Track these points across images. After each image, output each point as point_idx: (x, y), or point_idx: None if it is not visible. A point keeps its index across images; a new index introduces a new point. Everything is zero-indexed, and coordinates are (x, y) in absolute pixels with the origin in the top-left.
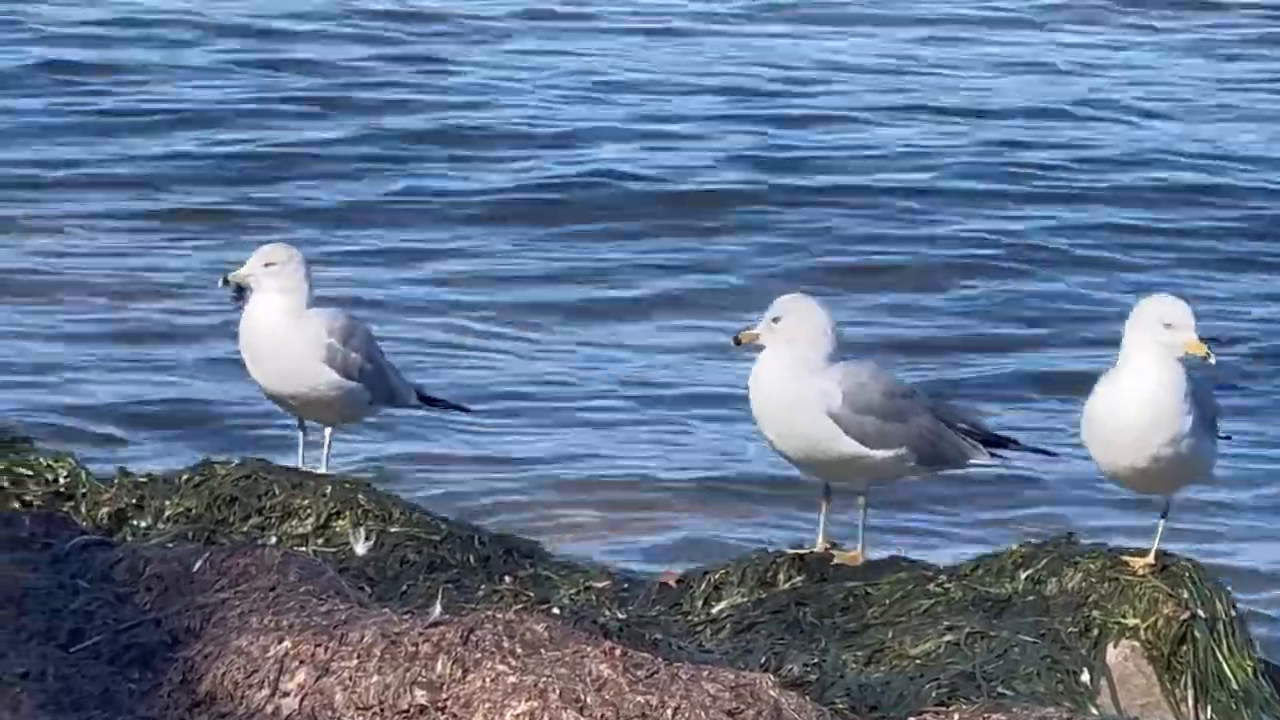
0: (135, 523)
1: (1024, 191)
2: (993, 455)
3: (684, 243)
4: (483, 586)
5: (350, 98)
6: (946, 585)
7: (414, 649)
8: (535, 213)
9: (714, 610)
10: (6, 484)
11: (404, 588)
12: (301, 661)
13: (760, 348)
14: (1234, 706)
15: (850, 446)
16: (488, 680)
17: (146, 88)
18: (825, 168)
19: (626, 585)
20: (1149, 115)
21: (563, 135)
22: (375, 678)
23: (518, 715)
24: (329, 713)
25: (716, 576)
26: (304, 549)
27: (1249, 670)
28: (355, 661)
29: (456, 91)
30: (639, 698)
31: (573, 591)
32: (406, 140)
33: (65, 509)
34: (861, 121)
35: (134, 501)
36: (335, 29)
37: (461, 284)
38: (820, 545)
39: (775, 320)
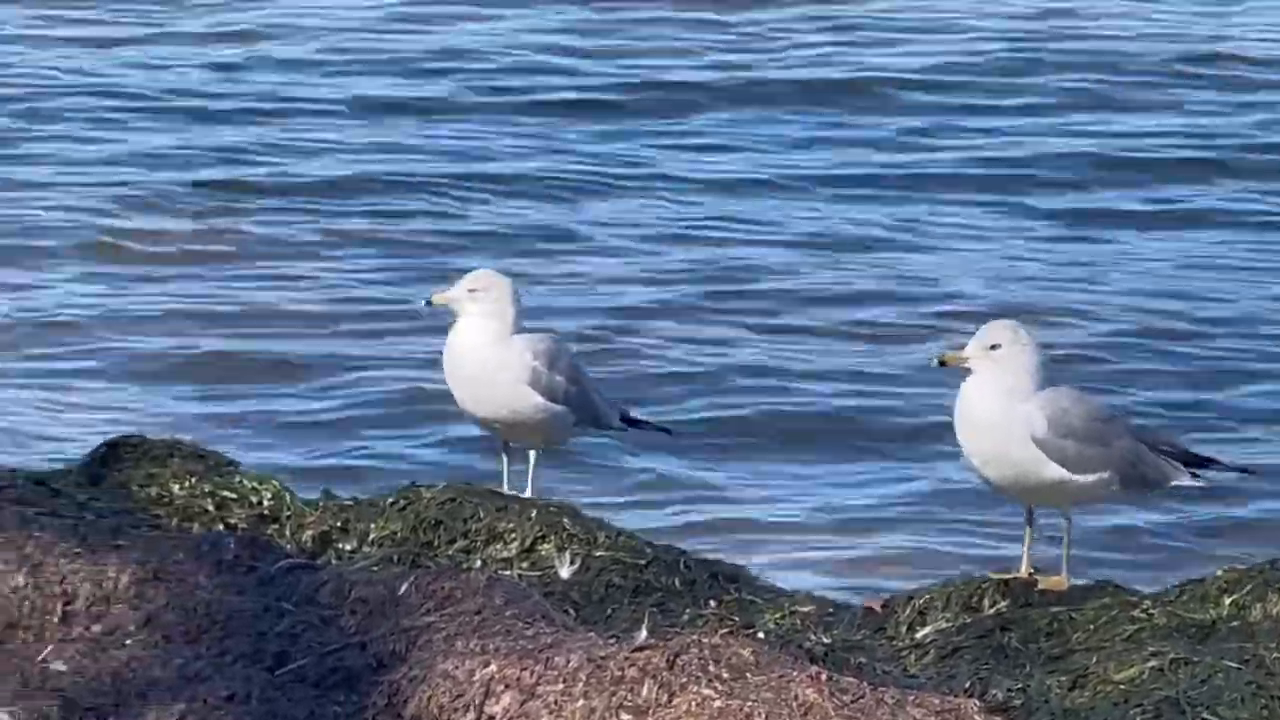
0: (340, 546)
1: None
2: (1194, 476)
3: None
4: (688, 611)
5: None
6: (1151, 611)
7: (620, 673)
8: None
9: (919, 635)
10: (211, 507)
11: (609, 612)
12: (507, 685)
13: (964, 370)
14: None
15: (1055, 472)
16: (693, 704)
17: None
18: None
19: (832, 610)
20: None
21: None
22: (581, 702)
23: None
24: None
25: (921, 601)
26: (509, 573)
27: None
28: (561, 685)
29: None
30: None
31: (777, 616)
32: None
33: (270, 532)
34: None
35: (339, 524)
36: None
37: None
38: (1024, 570)
39: (992, 347)
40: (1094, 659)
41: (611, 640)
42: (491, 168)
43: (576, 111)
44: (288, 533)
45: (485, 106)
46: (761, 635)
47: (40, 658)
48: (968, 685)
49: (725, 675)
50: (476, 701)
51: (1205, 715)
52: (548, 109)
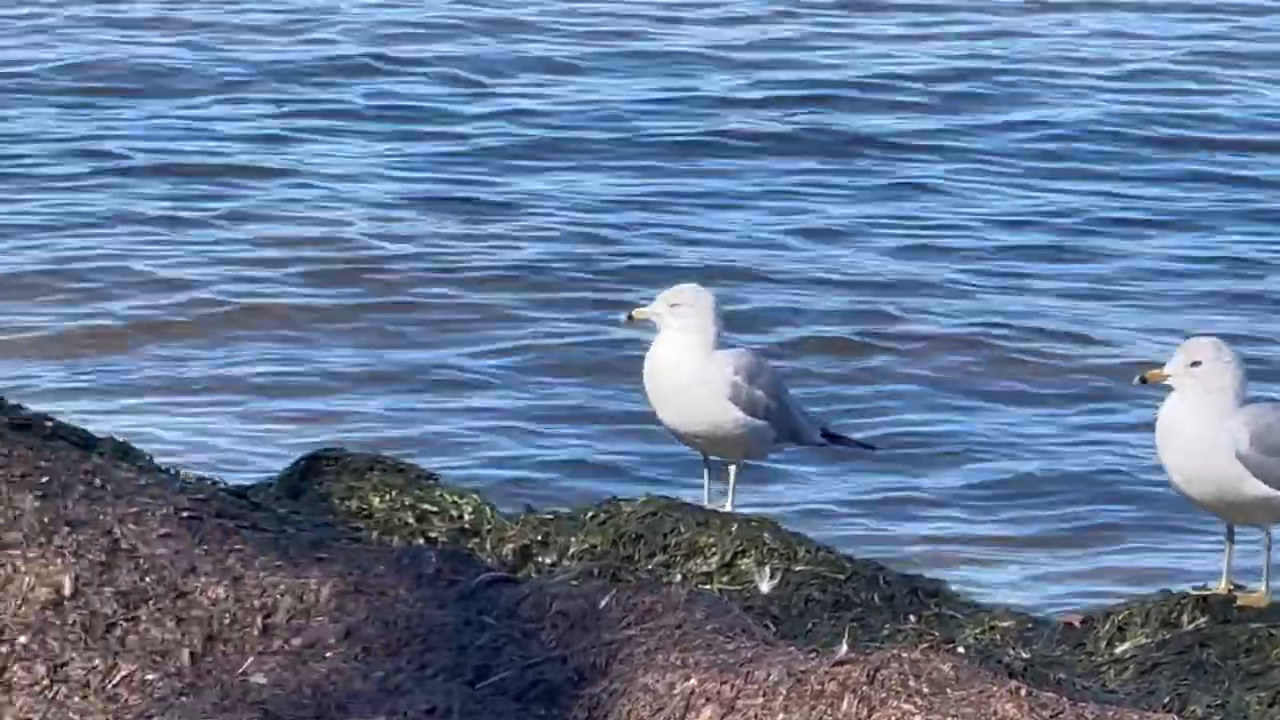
0: (540, 559)
1: None
2: None
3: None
4: (887, 626)
5: None
6: None
7: (820, 687)
8: None
9: (1118, 651)
10: (412, 520)
11: (809, 626)
12: (707, 699)
13: (1165, 387)
14: None
15: (1258, 489)
16: (893, 719)
17: None
18: None
19: (1031, 625)
20: None
21: None
22: (781, 716)
23: None
24: None
25: (1120, 617)
26: (709, 587)
27: None
28: (761, 700)
29: None
30: None
31: (977, 631)
32: None
33: (470, 545)
34: None
35: (539, 538)
36: None
37: None
38: (1223, 586)
39: (1194, 364)
40: None
41: (812, 655)
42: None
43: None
44: (488, 546)
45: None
46: (961, 650)
47: (240, 670)
48: (1166, 701)
49: (925, 690)
50: (677, 715)
51: None
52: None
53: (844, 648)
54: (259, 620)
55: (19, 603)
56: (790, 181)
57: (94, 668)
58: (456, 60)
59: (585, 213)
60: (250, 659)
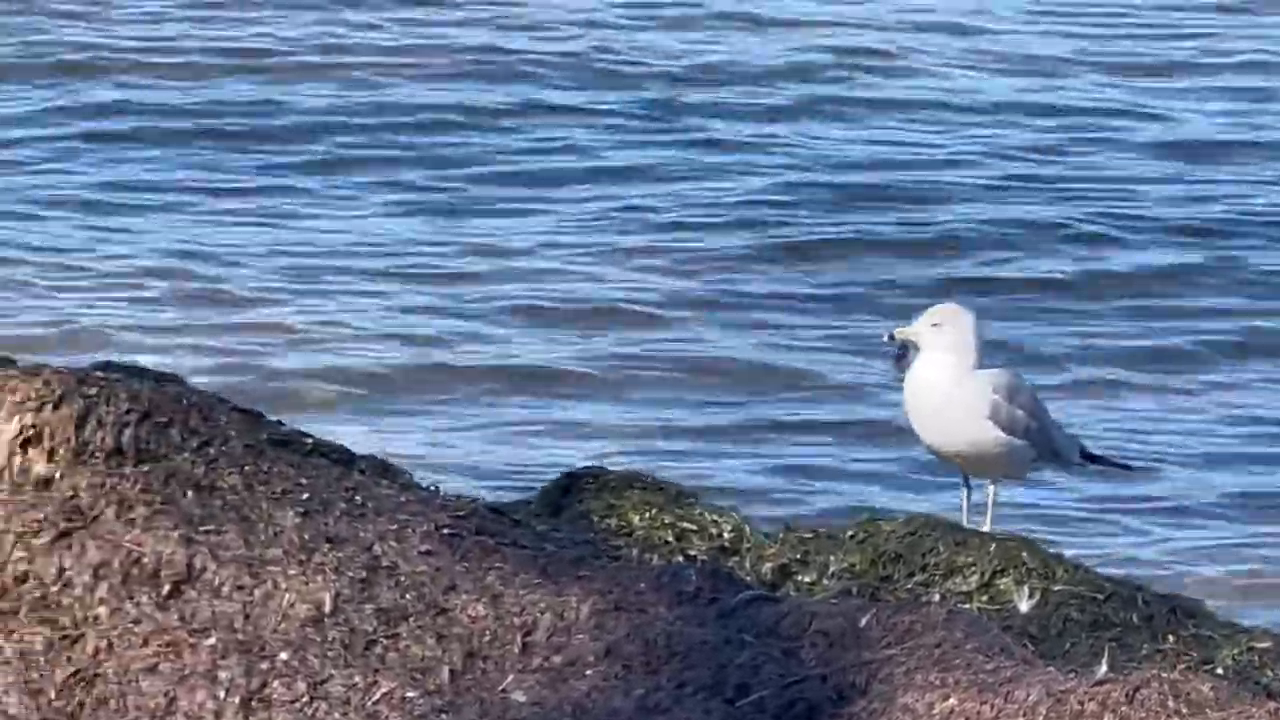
0: (799, 578)
1: None
2: None
3: None
4: (1145, 645)
5: None
6: None
7: (1079, 707)
8: None
9: None
10: (671, 538)
11: (1068, 646)
12: (966, 718)
13: None
14: None
15: None
16: None
17: None
18: None
19: None
20: None
21: None
22: None
23: None
24: None
25: None
26: (968, 606)
27: None
28: (1020, 719)
29: None
30: None
31: (1235, 652)
32: None
33: (730, 564)
34: None
35: (798, 557)
36: None
37: None
38: None
39: None
40: None
41: (1071, 675)
42: None
43: None
44: (747, 564)
45: None
46: (1220, 671)
47: (500, 688)
48: None
49: (1184, 711)
50: None
51: None
52: None
53: (1103, 667)
54: (519, 638)
55: (279, 619)
56: None
57: (354, 685)
58: (753, 101)
59: (881, 258)
60: (510, 676)
